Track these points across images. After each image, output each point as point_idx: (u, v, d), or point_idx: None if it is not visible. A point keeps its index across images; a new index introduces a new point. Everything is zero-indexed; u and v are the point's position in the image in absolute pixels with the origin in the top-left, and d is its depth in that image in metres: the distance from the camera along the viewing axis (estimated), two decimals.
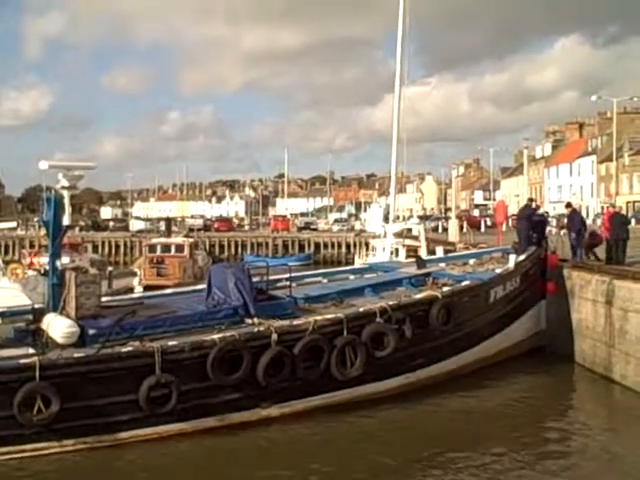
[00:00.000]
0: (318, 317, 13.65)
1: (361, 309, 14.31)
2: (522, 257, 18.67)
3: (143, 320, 13.29)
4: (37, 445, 11.25)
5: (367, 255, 33.00)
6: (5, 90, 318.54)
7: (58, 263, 13.62)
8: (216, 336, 12.53)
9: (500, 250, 22.51)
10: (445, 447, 12.07)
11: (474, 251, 25.36)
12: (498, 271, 17.88)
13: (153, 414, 11.84)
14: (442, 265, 20.22)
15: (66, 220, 13.93)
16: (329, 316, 13.79)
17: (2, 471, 10.74)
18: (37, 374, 10.99)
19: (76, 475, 10.94)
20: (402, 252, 28.07)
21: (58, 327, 12.41)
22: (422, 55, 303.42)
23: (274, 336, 12.77)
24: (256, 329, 13.12)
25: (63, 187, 13.98)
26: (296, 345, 12.95)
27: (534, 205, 22.75)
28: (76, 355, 11.65)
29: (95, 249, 49.95)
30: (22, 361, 11.38)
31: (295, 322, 13.49)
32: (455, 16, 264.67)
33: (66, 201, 13.95)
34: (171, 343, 12.22)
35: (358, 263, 30.06)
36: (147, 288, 26.21)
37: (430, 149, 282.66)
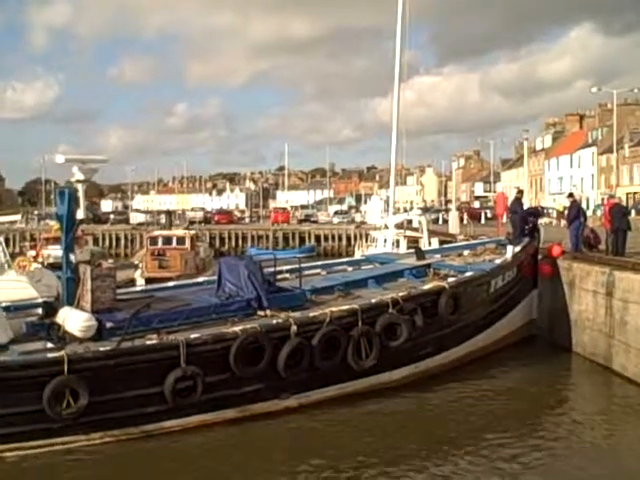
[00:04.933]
0: (334, 308, 13.77)
1: (373, 300, 14.46)
2: (518, 248, 18.87)
3: (159, 313, 13.40)
4: (65, 439, 11.30)
5: (367, 247, 33.01)
6: (9, 82, 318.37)
7: (72, 257, 13.63)
8: (238, 328, 12.62)
9: (494, 241, 22.80)
10: (447, 435, 12.22)
11: (468, 242, 25.51)
12: (498, 262, 18.05)
13: (178, 406, 11.93)
14: (437, 256, 20.38)
15: (81, 214, 13.92)
16: (345, 307, 13.92)
17: (32, 466, 10.81)
18: (65, 368, 11.02)
19: (105, 467, 11.00)
20: (403, 243, 28.10)
21: (75, 321, 12.43)
22: (434, 45, 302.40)
23: (294, 327, 12.87)
24: (275, 321, 13.23)
25: (78, 180, 13.98)
26: (314, 336, 13.09)
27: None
28: (103, 348, 11.70)
29: (96, 242, 49.88)
30: (50, 355, 11.42)
31: (312, 314, 13.62)
32: (469, 5, 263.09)
33: (80, 194, 13.95)
34: (194, 335, 12.29)
35: (358, 255, 30.10)
36: (148, 280, 26.27)
37: (436, 141, 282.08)
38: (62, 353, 11.26)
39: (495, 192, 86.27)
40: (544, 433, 12.42)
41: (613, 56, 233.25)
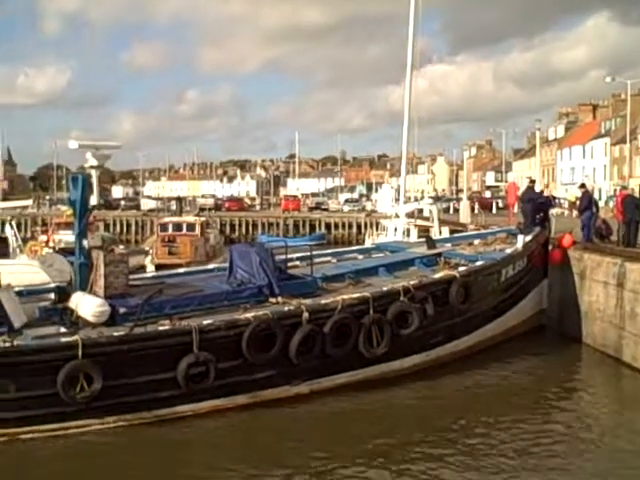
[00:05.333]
0: (346, 296, 13.80)
1: (385, 288, 14.47)
2: (529, 238, 18.80)
3: (171, 299, 13.48)
4: (79, 422, 11.41)
5: (378, 235, 32.97)
6: (21, 67, 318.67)
7: (85, 242, 13.70)
8: (250, 315, 12.66)
9: (504, 231, 22.75)
10: (454, 424, 12.22)
11: (478, 232, 25.45)
12: (508, 251, 17.99)
13: (191, 391, 12.01)
14: (448, 245, 20.34)
15: (94, 199, 13.98)
16: (356, 295, 13.95)
17: (46, 449, 10.91)
18: (80, 352, 11.10)
19: (118, 451, 11.09)
20: (414, 232, 28.05)
21: (89, 306, 12.52)
22: (448, 33, 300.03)
23: (305, 315, 12.93)
24: (287, 308, 13.27)
25: (92, 166, 14.02)
26: (326, 323, 13.13)
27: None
28: (117, 334, 11.78)
29: (107, 227, 50.10)
30: (64, 339, 11.51)
31: (324, 301, 13.65)
32: None
33: (94, 180, 13.99)
34: (207, 322, 12.35)
35: (368, 243, 30.09)
36: (158, 267, 26.35)
37: (448, 130, 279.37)
38: (76, 338, 11.35)
39: (506, 182, 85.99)
40: (553, 425, 12.38)
41: (629, 46, 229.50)
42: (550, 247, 19.93)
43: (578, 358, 17.28)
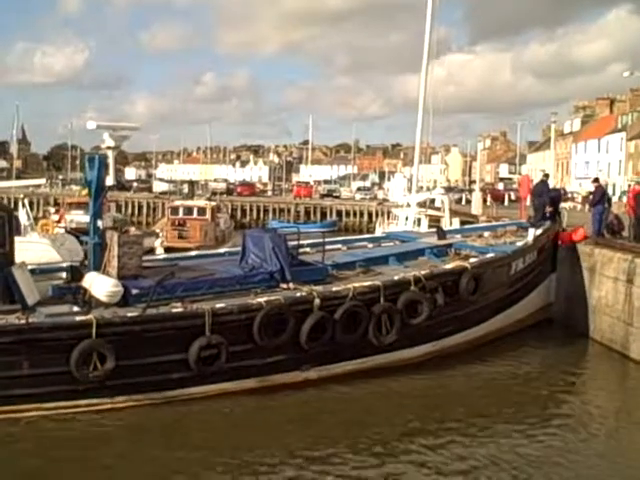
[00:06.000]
0: (357, 284, 13.83)
1: (396, 277, 14.49)
2: (540, 231, 18.78)
3: (183, 282, 13.53)
4: (91, 401, 11.51)
5: (388, 224, 32.95)
6: (40, 46, 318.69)
7: (99, 223, 13.74)
8: (263, 299, 12.71)
9: (515, 224, 22.68)
10: (459, 413, 12.26)
11: (489, 224, 25.40)
12: (519, 244, 17.94)
13: (201, 374, 12.10)
14: (458, 236, 20.31)
15: (110, 180, 14.00)
16: (367, 283, 13.97)
17: (56, 425, 11.02)
18: (94, 331, 11.18)
19: (128, 430, 11.20)
20: (424, 222, 28.02)
21: (102, 286, 12.56)
22: (468, 22, 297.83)
23: (317, 301, 12.96)
24: (299, 294, 13.31)
25: (109, 147, 14.03)
26: (337, 310, 13.17)
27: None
28: (131, 314, 11.87)
29: (118, 209, 50.27)
30: (79, 318, 11.59)
31: (335, 288, 13.69)
32: None
33: (110, 161, 14.01)
34: (219, 305, 12.41)
35: (379, 232, 30.07)
36: (168, 249, 26.45)
37: (464, 120, 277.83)
38: (91, 317, 11.43)
39: (520, 174, 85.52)
40: (557, 421, 12.36)
41: None
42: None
43: (585, 353, 17.26)
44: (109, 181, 13.95)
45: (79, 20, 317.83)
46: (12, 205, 25.59)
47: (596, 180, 22.43)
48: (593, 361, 16.97)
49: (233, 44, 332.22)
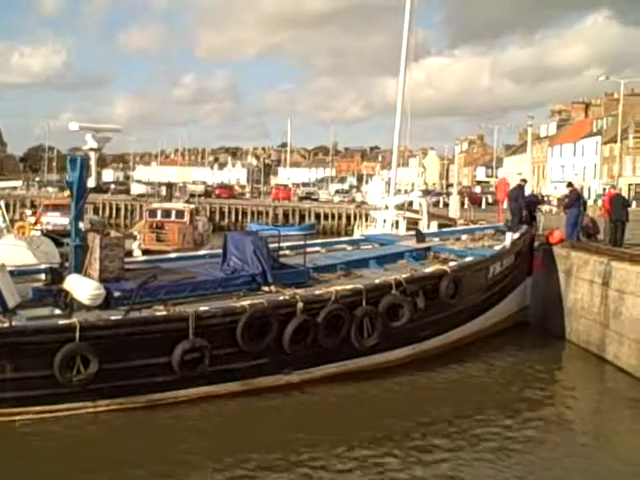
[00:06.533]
0: (339, 287, 13.88)
1: (377, 281, 14.55)
2: (517, 235, 18.96)
3: (166, 284, 13.50)
4: (72, 405, 11.41)
5: (367, 227, 33.01)
6: (17, 46, 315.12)
7: (81, 225, 13.63)
8: (246, 303, 12.70)
9: (492, 227, 22.91)
10: (433, 418, 12.32)
11: (467, 227, 25.61)
12: (497, 248, 18.09)
13: (185, 377, 12.05)
14: (436, 240, 20.41)
15: (92, 182, 13.92)
16: (349, 286, 14.02)
17: (39, 430, 10.93)
18: (77, 335, 11.10)
19: (111, 434, 11.13)
20: (402, 224, 28.11)
21: (84, 289, 12.47)
22: (447, 26, 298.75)
23: (300, 304, 12.97)
24: (282, 297, 13.32)
25: (91, 149, 13.93)
26: (319, 314, 13.19)
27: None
28: (114, 317, 11.81)
29: (96, 211, 49.91)
30: (62, 322, 11.49)
31: (318, 292, 13.71)
32: None
33: (92, 163, 13.92)
34: (203, 308, 12.38)
35: (357, 234, 30.13)
36: (145, 252, 26.29)
37: (442, 123, 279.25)
38: (74, 320, 11.36)
39: (497, 177, 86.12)
40: (534, 423, 12.45)
41: (627, 46, 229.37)
42: (537, 244, 20.11)
43: (561, 355, 17.44)
44: (90, 183, 13.87)
45: (57, 20, 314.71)
46: None
47: (570, 184, 22.74)
48: (569, 363, 17.15)
49: (213, 46, 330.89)
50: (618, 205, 20.08)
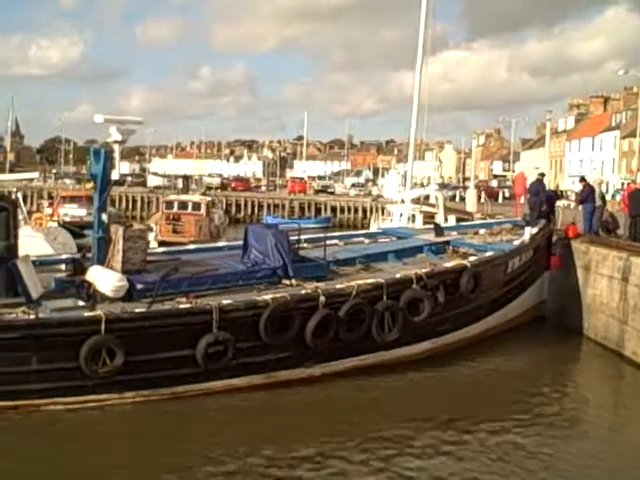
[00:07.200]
0: (360, 281, 13.86)
1: (398, 275, 14.53)
2: (535, 230, 18.86)
3: (188, 277, 13.54)
4: (99, 396, 11.50)
5: (383, 220, 32.95)
6: (35, 38, 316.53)
7: (104, 216, 13.69)
8: (269, 296, 12.74)
9: (510, 222, 22.76)
10: (453, 412, 12.26)
11: (485, 221, 25.48)
12: (516, 243, 18.00)
13: (208, 370, 12.12)
14: (454, 233, 20.35)
15: (115, 174, 13.96)
16: (370, 281, 13.99)
17: (66, 420, 11.02)
18: (103, 327, 11.16)
19: (138, 426, 11.22)
20: (419, 218, 28.03)
21: (107, 280, 12.53)
22: (466, 18, 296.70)
23: (322, 298, 12.98)
24: (304, 291, 13.33)
25: (115, 141, 13.98)
26: (341, 308, 13.20)
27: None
28: (139, 310, 11.87)
29: (112, 203, 50.09)
30: (88, 314, 11.55)
31: (340, 285, 13.71)
32: None
33: (116, 155, 13.96)
34: (226, 301, 12.41)
35: (374, 228, 30.07)
36: (162, 244, 26.38)
37: (460, 117, 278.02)
38: (100, 312, 11.41)
39: (514, 172, 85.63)
40: (550, 418, 12.39)
41: None
42: (555, 239, 19.98)
43: (579, 351, 17.37)
44: (114, 175, 13.90)
45: (75, 12, 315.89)
46: None
47: (583, 179, 22.65)
48: (587, 360, 17.09)
49: (229, 40, 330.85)
50: (637, 200, 19.90)
